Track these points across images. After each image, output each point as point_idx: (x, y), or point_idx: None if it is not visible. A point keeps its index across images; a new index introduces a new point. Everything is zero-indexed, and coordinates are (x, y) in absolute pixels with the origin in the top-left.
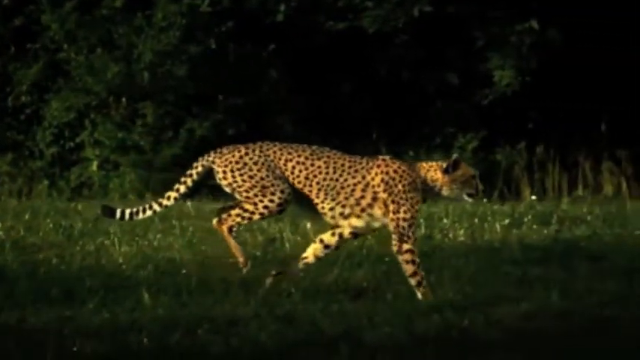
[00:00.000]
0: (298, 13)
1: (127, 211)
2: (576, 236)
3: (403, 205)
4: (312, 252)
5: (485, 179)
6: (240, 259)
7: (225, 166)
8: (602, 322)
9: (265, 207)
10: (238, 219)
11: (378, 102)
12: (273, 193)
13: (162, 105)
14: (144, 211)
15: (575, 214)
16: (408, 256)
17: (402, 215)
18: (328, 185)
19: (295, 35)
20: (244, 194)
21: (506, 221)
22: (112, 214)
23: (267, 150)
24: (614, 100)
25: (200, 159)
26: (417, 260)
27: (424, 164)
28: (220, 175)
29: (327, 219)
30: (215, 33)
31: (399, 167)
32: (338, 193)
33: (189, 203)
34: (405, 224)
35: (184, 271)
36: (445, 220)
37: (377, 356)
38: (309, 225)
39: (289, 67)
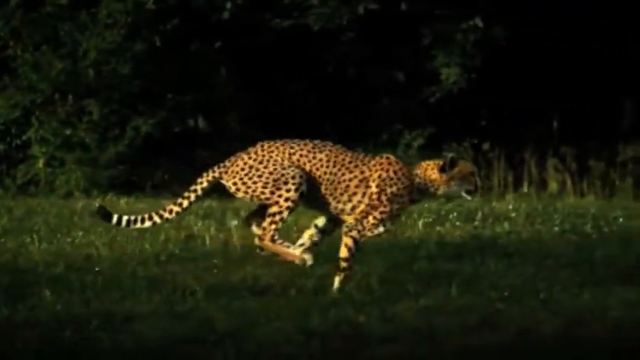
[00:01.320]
0: (244, 10)
1: (124, 218)
2: (496, 233)
3: (385, 207)
4: (307, 237)
5: None
6: (297, 261)
7: (233, 177)
8: (494, 317)
9: (287, 199)
10: (273, 226)
11: (326, 99)
12: (286, 182)
13: (107, 102)
14: (142, 220)
15: (501, 211)
16: (349, 242)
17: (376, 213)
18: (328, 179)
19: (242, 33)
20: (262, 196)
21: (431, 218)
22: (108, 217)
23: (269, 147)
24: (561, 98)
25: (205, 174)
26: (354, 252)
27: (423, 163)
28: (233, 189)
29: (328, 213)
30: (160, 31)
31: (400, 170)
32: (335, 189)
33: (123, 200)
34: (373, 221)
35: (97, 269)
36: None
37: (261, 351)
38: (235, 223)
39: (236, 64)
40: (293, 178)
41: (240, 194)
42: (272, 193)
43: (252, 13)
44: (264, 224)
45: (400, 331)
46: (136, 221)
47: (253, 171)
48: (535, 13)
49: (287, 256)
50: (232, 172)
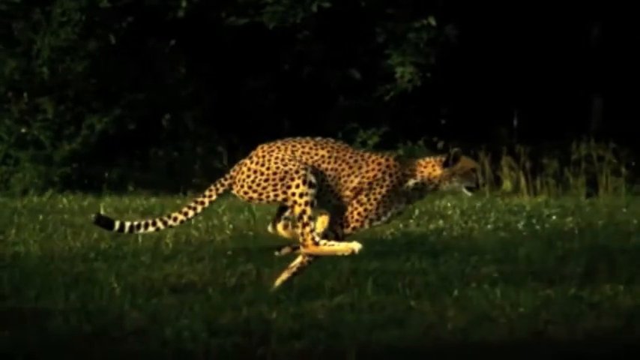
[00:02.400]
0: (200, 9)
1: (127, 224)
2: (428, 230)
3: (370, 205)
4: (321, 225)
5: None
6: (347, 253)
7: (241, 187)
8: (404, 315)
9: (300, 194)
10: (307, 228)
11: (284, 98)
12: (292, 179)
13: (62, 100)
14: (146, 226)
15: (439, 208)
16: (331, 235)
17: (360, 209)
18: (330, 175)
19: (198, 31)
20: (277, 199)
21: None
22: (110, 225)
23: (270, 148)
24: (521, 97)
25: (213, 188)
26: (337, 242)
27: (422, 162)
28: (246, 198)
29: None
30: (115, 29)
31: (395, 173)
32: (336, 184)
33: (65, 199)
34: (356, 217)
35: (22, 266)
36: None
37: (164, 349)
38: None
39: (193, 62)
40: (297, 172)
41: (255, 202)
42: (284, 192)
43: (208, 12)
44: (299, 231)
45: (307, 328)
46: (139, 227)
47: (258, 175)
48: (487, 13)
49: (336, 253)
50: (239, 180)
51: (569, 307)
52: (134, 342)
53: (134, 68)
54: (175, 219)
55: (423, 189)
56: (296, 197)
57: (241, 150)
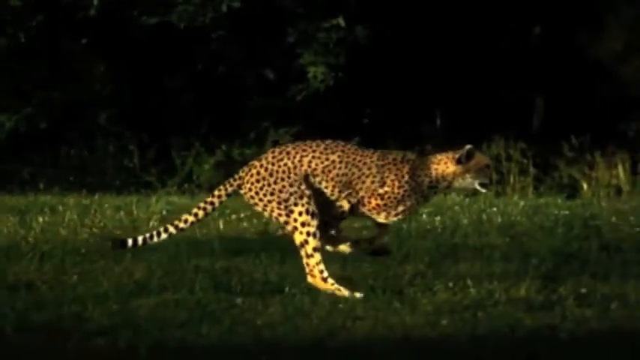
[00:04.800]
0: (111, 7)
1: (140, 238)
2: None
3: (391, 202)
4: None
5: None
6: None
7: (249, 190)
8: (222, 312)
9: (302, 224)
10: (312, 260)
11: (198, 97)
12: (296, 204)
13: None
14: (158, 234)
15: None
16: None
17: (380, 202)
18: (340, 181)
19: (110, 30)
20: (280, 218)
21: (243, 214)
22: (123, 244)
23: (280, 154)
24: (440, 96)
25: (222, 187)
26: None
27: (434, 159)
28: (252, 202)
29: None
30: (25, 27)
31: (407, 173)
32: (347, 188)
33: None
34: (374, 206)
35: None
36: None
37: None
38: (40, 219)
39: (107, 61)
40: (301, 198)
41: (259, 209)
42: (288, 215)
43: (120, 10)
44: (305, 261)
45: (118, 325)
46: (152, 237)
47: (265, 185)
48: (398, 13)
49: (337, 293)
50: (247, 182)
51: (385, 304)
52: None
53: (46, 67)
54: (186, 221)
55: (437, 186)
56: (297, 224)
57: (152, 148)
